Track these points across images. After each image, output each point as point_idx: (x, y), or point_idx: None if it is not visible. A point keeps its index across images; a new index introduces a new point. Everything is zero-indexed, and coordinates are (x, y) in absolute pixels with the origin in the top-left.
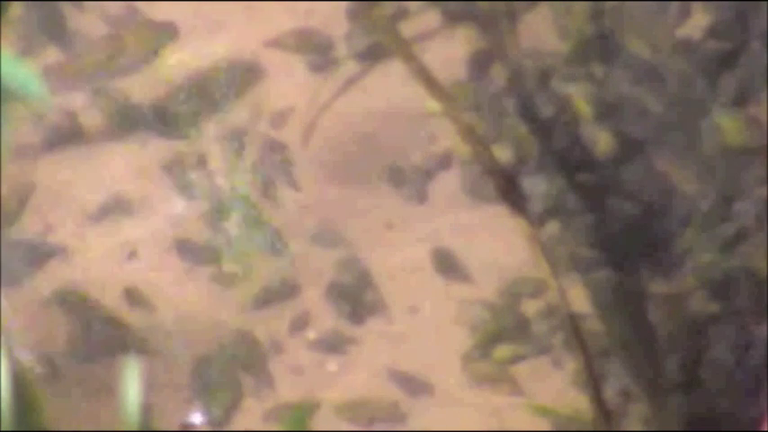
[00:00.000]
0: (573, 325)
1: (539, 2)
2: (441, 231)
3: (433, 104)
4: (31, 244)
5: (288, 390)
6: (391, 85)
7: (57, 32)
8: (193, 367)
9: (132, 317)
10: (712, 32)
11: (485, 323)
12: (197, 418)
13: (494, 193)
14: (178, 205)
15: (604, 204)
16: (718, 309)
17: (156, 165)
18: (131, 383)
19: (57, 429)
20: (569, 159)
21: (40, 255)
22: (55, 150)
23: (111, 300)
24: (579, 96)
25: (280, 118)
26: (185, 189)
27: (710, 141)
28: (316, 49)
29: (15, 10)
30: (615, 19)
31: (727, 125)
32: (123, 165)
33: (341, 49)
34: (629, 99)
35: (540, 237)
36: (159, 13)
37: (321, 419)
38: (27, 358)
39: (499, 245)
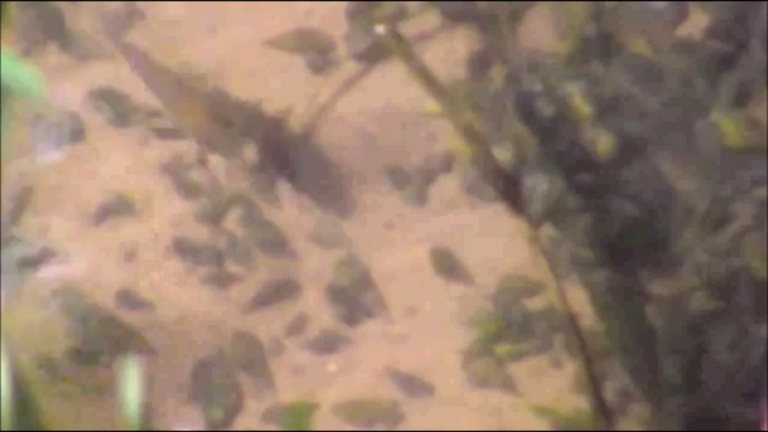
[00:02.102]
0: (573, 325)
1: (538, 2)
2: (440, 231)
3: (433, 104)
4: (30, 244)
5: (288, 390)
6: (391, 86)
7: (56, 32)
8: (193, 367)
9: (132, 317)
10: (712, 32)
11: (484, 323)
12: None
13: (494, 193)
14: (178, 205)
15: (604, 204)
16: (718, 309)
17: (156, 165)
18: (131, 383)
19: (56, 429)
20: (569, 159)
21: (39, 255)
22: (55, 150)
23: (110, 300)
24: (579, 96)
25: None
26: (185, 189)
27: (710, 141)
28: (316, 49)
29: (15, 10)
30: (615, 19)
31: (726, 125)
32: (123, 165)
33: (341, 49)
34: (628, 99)
35: (540, 237)
36: (159, 12)
37: (321, 419)
38: (26, 358)
39: (499, 245)
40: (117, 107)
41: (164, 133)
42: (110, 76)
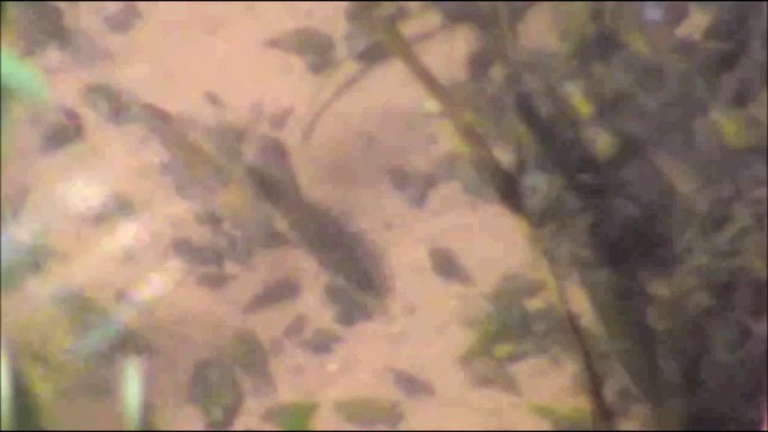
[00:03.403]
0: (573, 325)
1: (538, 1)
2: (440, 231)
3: (433, 104)
4: (30, 244)
5: (288, 390)
6: (391, 85)
7: (56, 32)
8: (193, 368)
9: (131, 317)
10: (712, 32)
11: (484, 323)
12: None
13: (494, 193)
14: (178, 205)
15: (604, 204)
16: (718, 309)
17: (156, 165)
18: (131, 383)
19: (57, 429)
20: (569, 159)
21: (39, 255)
22: (55, 150)
23: (110, 300)
24: (579, 96)
25: (280, 118)
26: (185, 189)
27: (710, 141)
28: (316, 49)
29: (15, 10)
30: (615, 18)
31: (726, 125)
32: (123, 165)
33: (341, 49)
34: (628, 99)
35: (540, 237)
36: (160, 12)
37: (321, 419)
38: (26, 358)
39: (499, 245)
40: (116, 107)
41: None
42: (109, 76)
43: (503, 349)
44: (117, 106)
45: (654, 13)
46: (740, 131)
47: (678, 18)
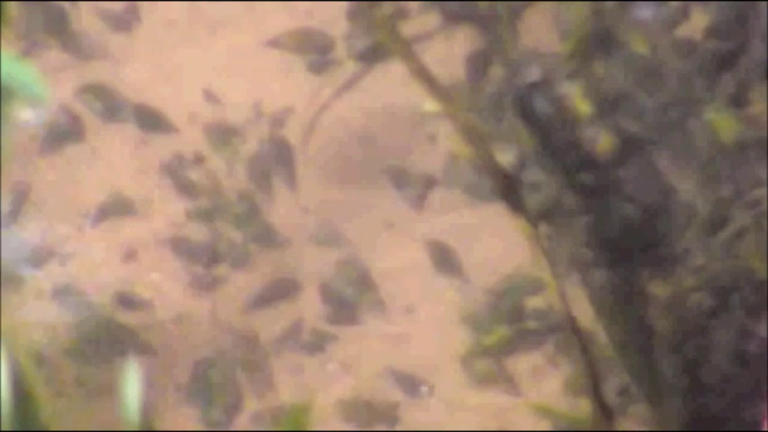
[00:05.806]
0: (572, 325)
1: (539, 1)
2: (440, 231)
3: (433, 104)
4: (30, 244)
5: (288, 390)
6: (391, 85)
7: (59, 31)
8: (193, 367)
9: (131, 317)
10: (712, 32)
11: (484, 323)
12: None
13: (494, 193)
14: (178, 205)
15: (604, 204)
16: (717, 309)
17: (155, 165)
18: (131, 384)
19: (56, 429)
20: (569, 158)
21: (39, 255)
22: (55, 150)
23: (110, 300)
24: (578, 95)
25: (280, 118)
26: (185, 189)
27: (709, 141)
28: (316, 49)
29: (15, 10)
30: (615, 18)
31: (726, 125)
32: (123, 165)
33: (341, 49)
34: (628, 98)
35: (540, 236)
36: (160, 12)
37: (321, 419)
38: (26, 359)
39: (499, 244)
40: (117, 107)
41: (162, 131)
42: (110, 76)
43: (502, 348)
44: (117, 106)
45: (644, 12)
46: (740, 131)
47: (678, 18)
